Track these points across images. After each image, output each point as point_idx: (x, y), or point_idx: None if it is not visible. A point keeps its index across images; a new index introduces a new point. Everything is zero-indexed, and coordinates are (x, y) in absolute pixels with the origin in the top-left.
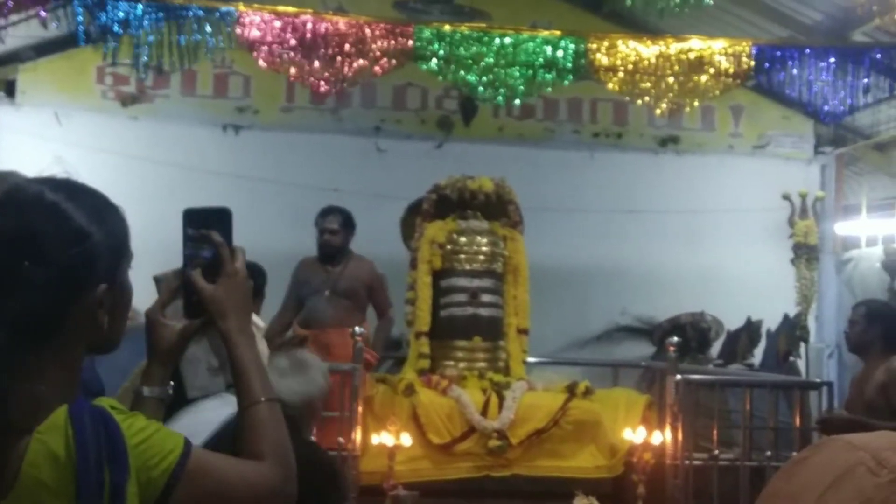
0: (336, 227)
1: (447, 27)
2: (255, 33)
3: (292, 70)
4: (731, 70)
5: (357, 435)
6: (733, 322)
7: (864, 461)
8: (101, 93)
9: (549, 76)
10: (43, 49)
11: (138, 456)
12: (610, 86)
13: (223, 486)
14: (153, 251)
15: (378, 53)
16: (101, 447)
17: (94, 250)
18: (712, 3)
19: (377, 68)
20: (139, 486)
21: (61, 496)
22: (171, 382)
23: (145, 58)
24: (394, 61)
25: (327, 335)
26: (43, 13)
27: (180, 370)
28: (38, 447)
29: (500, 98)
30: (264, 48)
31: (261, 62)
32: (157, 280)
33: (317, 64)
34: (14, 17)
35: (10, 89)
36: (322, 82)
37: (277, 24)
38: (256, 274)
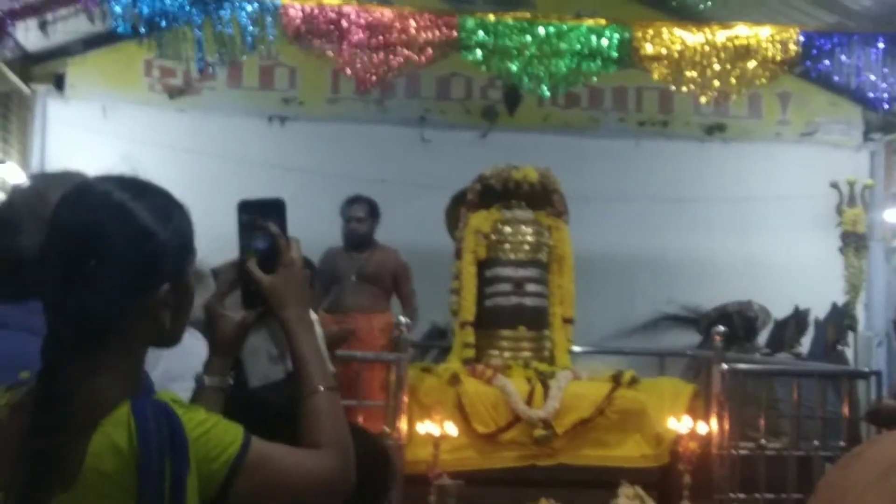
0: (362, 215)
1: (491, 17)
2: (299, 25)
3: (338, 61)
4: (778, 57)
5: (402, 424)
6: (781, 311)
7: None
8: (148, 85)
9: (593, 65)
10: (91, 43)
11: (199, 449)
12: (655, 75)
13: (282, 476)
14: (200, 243)
15: (422, 44)
16: (162, 440)
17: (159, 250)
18: None
19: (422, 58)
20: (200, 478)
21: (123, 488)
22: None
23: (191, 52)
24: (438, 51)
25: (353, 320)
26: (90, 7)
27: (242, 360)
28: (101, 440)
29: (544, 88)
30: (309, 39)
31: (306, 53)
32: (215, 272)
33: (361, 55)
34: (63, 12)
35: (59, 83)
36: (368, 73)
37: (322, 15)
38: (307, 266)
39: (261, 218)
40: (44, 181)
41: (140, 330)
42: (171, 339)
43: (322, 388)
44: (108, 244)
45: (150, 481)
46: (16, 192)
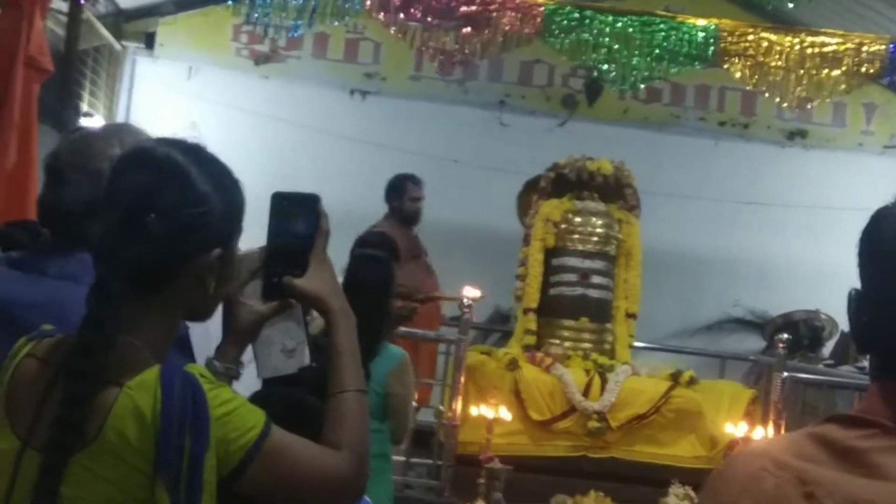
0: (424, 194)
1: (577, 7)
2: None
3: (420, 41)
4: (865, 67)
5: (458, 405)
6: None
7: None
8: (235, 50)
9: (676, 62)
10: (183, 4)
11: (220, 428)
12: (738, 75)
13: (296, 469)
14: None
15: (507, 29)
16: (185, 414)
17: (212, 215)
18: None
19: (505, 43)
20: (217, 458)
21: (140, 455)
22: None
23: (278, 19)
24: (522, 37)
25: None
26: None
27: (254, 350)
28: (126, 402)
29: (625, 82)
30: (394, 16)
31: (391, 29)
32: (238, 259)
33: (445, 35)
34: None
35: (149, 41)
36: (450, 55)
37: None
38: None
39: (293, 211)
40: (91, 134)
41: (183, 293)
42: (207, 309)
43: (352, 389)
44: (165, 202)
45: (169, 455)
46: (63, 144)
